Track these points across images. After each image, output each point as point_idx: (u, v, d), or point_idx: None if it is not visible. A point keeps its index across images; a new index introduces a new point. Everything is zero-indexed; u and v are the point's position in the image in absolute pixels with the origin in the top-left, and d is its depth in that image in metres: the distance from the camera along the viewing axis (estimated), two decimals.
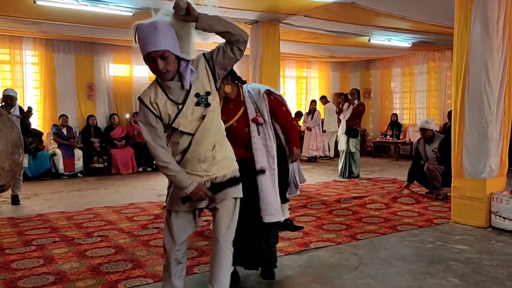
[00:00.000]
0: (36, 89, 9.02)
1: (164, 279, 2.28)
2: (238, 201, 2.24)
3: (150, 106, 2.05)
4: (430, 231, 4.30)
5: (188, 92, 2.06)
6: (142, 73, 10.12)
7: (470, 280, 3.04)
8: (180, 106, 2.06)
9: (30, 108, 5.80)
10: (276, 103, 3.06)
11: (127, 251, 3.76)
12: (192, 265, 3.32)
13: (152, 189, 7.01)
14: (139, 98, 2.09)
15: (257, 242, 2.90)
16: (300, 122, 11.67)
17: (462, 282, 3.01)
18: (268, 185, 2.83)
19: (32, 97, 8.95)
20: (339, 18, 7.30)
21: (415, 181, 6.32)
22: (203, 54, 2.09)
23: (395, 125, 11.75)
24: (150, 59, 1.97)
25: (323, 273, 3.20)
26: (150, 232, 4.37)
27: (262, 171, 2.65)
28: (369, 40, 9.00)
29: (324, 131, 11.25)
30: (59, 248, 3.87)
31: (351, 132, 7.98)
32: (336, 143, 9.91)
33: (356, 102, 8.03)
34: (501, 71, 4.42)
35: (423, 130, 6.15)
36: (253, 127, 2.87)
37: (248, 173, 2.53)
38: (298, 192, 4.41)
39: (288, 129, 3.20)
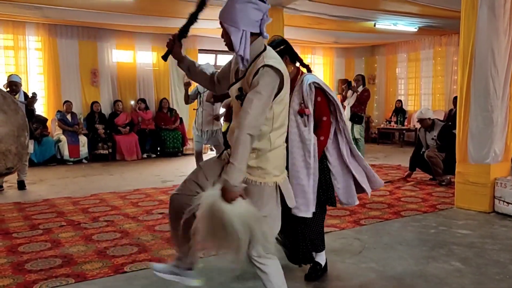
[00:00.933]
0: (40, 75, 9.02)
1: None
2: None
3: (233, 59, 2.11)
4: (434, 216, 4.32)
5: (240, 78, 1.98)
6: (146, 59, 10.10)
7: (472, 264, 3.05)
8: (233, 81, 2.07)
9: (34, 94, 5.82)
10: (318, 107, 2.67)
11: (133, 235, 3.80)
12: None
13: (157, 175, 7.05)
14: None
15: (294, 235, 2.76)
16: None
17: (465, 266, 3.03)
18: (301, 176, 2.60)
19: (36, 83, 8.95)
20: (344, 2, 7.22)
21: (417, 169, 6.33)
22: (261, 66, 1.89)
23: (399, 111, 11.69)
24: None
25: (327, 256, 3.22)
26: (155, 218, 4.41)
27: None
28: (374, 25, 8.89)
29: None
30: (65, 232, 3.92)
31: (355, 118, 7.95)
32: None
33: (361, 88, 7.99)
34: (508, 55, 4.38)
35: (420, 121, 6.20)
36: (293, 117, 2.61)
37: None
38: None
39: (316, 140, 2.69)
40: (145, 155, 9.43)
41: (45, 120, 8.70)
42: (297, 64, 2.77)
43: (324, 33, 9.91)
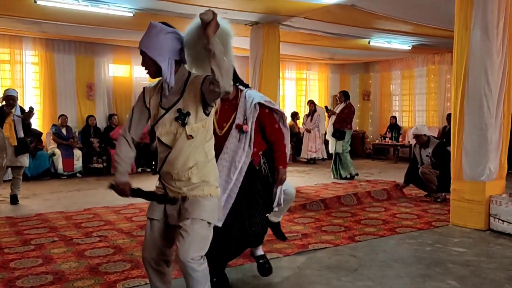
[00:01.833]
0: (36, 89, 9.02)
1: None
2: (211, 226, 2.13)
3: (146, 94, 2.16)
4: (429, 233, 4.31)
5: (176, 102, 2.07)
6: (142, 73, 10.08)
7: (468, 283, 3.04)
8: (163, 112, 2.09)
9: (31, 109, 5.80)
10: (269, 118, 2.89)
11: (126, 251, 3.75)
12: None
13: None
14: (144, 88, 2.21)
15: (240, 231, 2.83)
16: (300, 124, 11.69)
17: (461, 285, 3.01)
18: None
19: (32, 97, 8.94)
20: (339, 20, 7.32)
21: (412, 185, 6.36)
22: (206, 75, 2.05)
23: (394, 127, 11.77)
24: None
25: (322, 274, 3.20)
26: None
27: None
28: (369, 43, 9.01)
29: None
30: (58, 247, 3.87)
31: (336, 134, 8.10)
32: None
33: (342, 105, 8.18)
34: (501, 75, 4.44)
35: (416, 137, 6.24)
36: (234, 132, 2.77)
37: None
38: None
39: (277, 147, 2.93)
40: (140, 170, 9.39)
41: (40, 134, 8.66)
42: (236, 84, 2.89)
43: (320, 50, 10.02)
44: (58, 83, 9.10)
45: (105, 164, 8.98)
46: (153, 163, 9.61)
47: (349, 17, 7.15)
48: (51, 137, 8.74)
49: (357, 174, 8.25)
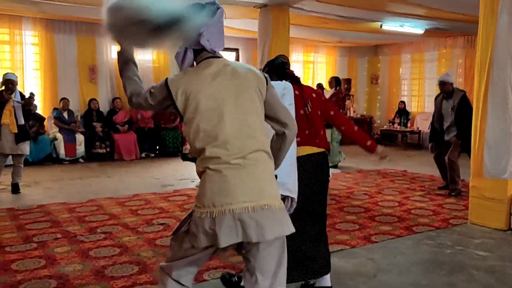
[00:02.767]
0: (36, 71, 8.75)
1: None
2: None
3: None
4: (447, 233, 4.13)
5: None
6: (146, 55, 9.82)
7: None
8: None
9: (32, 94, 5.58)
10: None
11: (132, 251, 3.59)
12: (201, 270, 3.16)
13: (156, 179, 6.83)
14: None
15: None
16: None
17: None
18: None
19: (32, 79, 8.69)
20: (351, 3, 6.99)
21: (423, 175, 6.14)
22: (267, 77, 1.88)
23: (402, 112, 11.49)
24: None
25: (340, 281, 3.03)
26: (156, 229, 4.20)
27: None
28: (381, 26, 8.67)
29: None
30: (61, 246, 3.70)
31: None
32: None
33: (332, 91, 7.95)
34: None
35: (442, 84, 5.68)
36: None
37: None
38: None
39: None
40: (143, 155, 9.21)
41: (43, 118, 8.42)
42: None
43: (329, 33, 9.69)
44: (59, 65, 8.83)
45: (108, 149, 8.79)
46: (157, 147, 9.42)
47: (365, 0, 6.83)
48: (52, 121, 8.53)
49: (344, 158, 8.03)
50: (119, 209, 4.94)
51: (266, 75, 1.87)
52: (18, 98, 5.59)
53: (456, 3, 6.62)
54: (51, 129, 8.54)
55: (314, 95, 2.79)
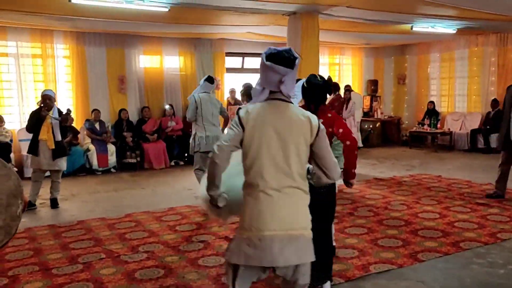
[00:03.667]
0: (68, 83, 8.91)
1: None
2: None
3: None
4: (497, 249, 3.98)
5: None
6: (173, 64, 9.91)
7: None
8: None
9: (69, 111, 5.67)
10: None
11: (177, 273, 3.59)
12: None
13: (189, 189, 6.84)
14: None
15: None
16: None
17: None
18: None
19: (64, 91, 8.85)
20: (382, 7, 6.85)
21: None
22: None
23: (432, 113, 11.21)
24: None
25: None
26: (196, 248, 4.20)
27: None
28: (411, 28, 8.48)
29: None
30: (106, 267, 3.74)
31: None
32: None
33: (332, 96, 7.89)
34: None
35: None
36: None
37: None
38: None
39: None
40: (173, 163, 9.27)
41: (78, 132, 8.52)
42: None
43: (356, 35, 9.55)
44: (90, 77, 8.97)
45: (138, 159, 8.89)
46: (186, 155, 9.45)
47: (394, 4, 6.69)
48: (85, 132, 8.67)
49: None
50: (157, 225, 4.97)
51: (321, 126, 2.08)
52: (56, 114, 5.68)
53: (490, 3, 6.41)
54: (84, 140, 8.68)
55: (329, 115, 3.08)
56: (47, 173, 6.00)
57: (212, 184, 2.09)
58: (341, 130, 3.02)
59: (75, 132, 8.37)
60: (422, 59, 12.24)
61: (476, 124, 10.64)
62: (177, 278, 3.48)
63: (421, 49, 12.14)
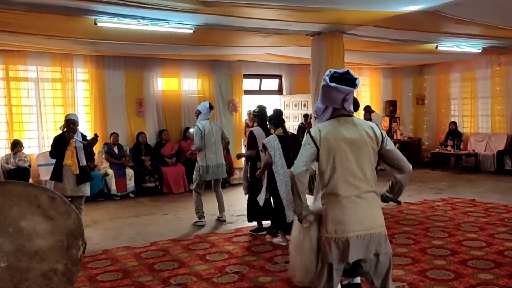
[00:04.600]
0: (86, 107, 8.82)
1: None
2: None
3: None
4: None
5: None
6: (191, 86, 9.81)
7: None
8: None
9: (96, 136, 5.51)
10: None
11: None
12: None
13: (212, 215, 6.59)
14: None
15: None
16: None
17: None
18: None
19: (82, 115, 8.73)
20: (407, 27, 6.69)
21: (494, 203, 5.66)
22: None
23: (455, 134, 10.93)
24: None
25: None
26: (231, 279, 3.94)
27: None
28: (436, 47, 8.31)
29: None
30: None
31: None
32: None
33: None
34: None
35: None
36: None
37: None
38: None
39: None
40: (192, 186, 9.03)
41: (93, 153, 8.35)
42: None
43: (378, 55, 9.39)
44: (108, 100, 8.86)
45: (157, 183, 8.68)
46: None
47: (421, 23, 6.52)
48: (103, 156, 8.52)
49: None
50: (185, 254, 4.72)
51: (383, 133, 2.42)
52: (80, 138, 5.52)
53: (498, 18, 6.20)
54: (102, 164, 8.52)
55: None
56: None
57: (299, 199, 2.35)
58: None
59: (93, 154, 8.20)
60: (442, 79, 12.04)
61: (501, 145, 10.33)
62: None
63: (441, 69, 11.96)
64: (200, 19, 5.72)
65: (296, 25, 6.35)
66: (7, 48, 7.62)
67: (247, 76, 10.57)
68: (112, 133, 8.63)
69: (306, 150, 2.33)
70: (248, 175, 5.53)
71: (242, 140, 10.16)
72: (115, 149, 8.57)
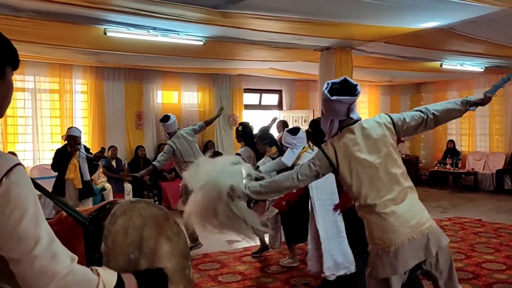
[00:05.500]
0: (84, 119, 8.57)
1: None
2: None
3: None
4: None
5: None
6: (191, 99, 9.65)
7: None
8: None
9: (103, 149, 5.31)
10: None
11: None
12: None
13: (217, 232, 6.34)
14: None
15: None
16: None
17: None
18: None
19: (80, 127, 8.40)
20: (417, 43, 6.67)
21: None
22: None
23: (453, 152, 10.92)
24: None
25: None
26: None
27: None
28: (441, 65, 8.33)
29: None
30: None
31: None
32: None
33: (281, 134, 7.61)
34: None
35: None
36: None
37: None
38: None
39: None
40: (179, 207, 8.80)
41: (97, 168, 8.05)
42: None
43: (381, 72, 9.39)
44: (107, 112, 8.64)
45: (156, 198, 8.42)
46: None
47: (429, 39, 6.51)
48: (101, 170, 8.23)
49: None
50: (197, 275, 4.47)
51: (391, 116, 2.29)
52: (83, 151, 5.30)
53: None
54: (99, 178, 8.23)
55: None
56: None
57: (272, 194, 2.40)
58: None
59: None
60: (439, 97, 12.05)
61: (500, 164, 10.35)
62: None
63: (438, 87, 12.04)
64: (211, 30, 5.60)
65: (307, 40, 6.28)
66: None
67: (248, 90, 10.47)
68: (111, 146, 8.37)
69: (308, 166, 2.23)
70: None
71: None
72: (113, 163, 8.31)
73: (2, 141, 7.64)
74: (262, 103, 11.00)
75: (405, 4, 4.54)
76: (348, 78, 2.20)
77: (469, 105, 2.28)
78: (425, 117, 2.25)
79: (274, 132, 7.80)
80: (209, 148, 9.32)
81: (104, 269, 1.13)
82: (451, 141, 11.26)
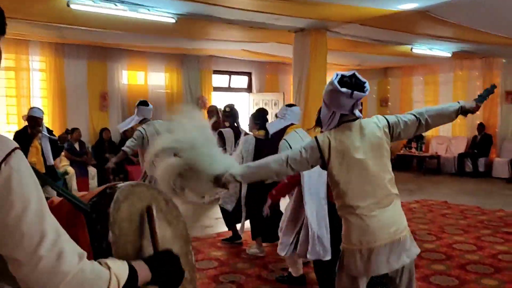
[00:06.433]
0: (43, 99, 8.05)
1: None
2: None
3: None
4: None
5: None
6: (158, 81, 9.29)
7: None
8: None
9: (68, 130, 4.94)
10: None
11: None
12: None
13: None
14: None
15: None
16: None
17: None
18: None
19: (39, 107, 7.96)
20: (392, 26, 6.65)
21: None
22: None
23: (417, 137, 11.15)
24: None
25: None
26: None
27: None
28: (411, 49, 8.40)
29: None
30: None
31: None
32: None
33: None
34: None
35: None
36: None
37: None
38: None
39: None
40: None
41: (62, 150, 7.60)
42: None
43: (351, 56, 9.38)
44: (68, 92, 8.16)
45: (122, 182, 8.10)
46: None
47: (404, 21, 6.50)
48: (63, 153, 7.79)
49: None
50: None
51: (387, 118, 2.23)
52: (45, 133, 4.93)
53: (487, 22, 6.35)
54: (61, 162, 7.80)
55: None
56: None
57: (261, 177, 2.23)
58: None
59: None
60: (405, 82, 12.32)
61: (461, 148, 10.70)
62: None
63: (405, 72, 12.24)
64: (184, 7, 5.33)
65: (283, 20, 6.12)
66: None
67: (217, 72, 10.21)
68: (74, 129, 7.93)
69: (300, 153, 2.15)
70: None
71: None
72: (76, 146, 7.89)
73: None
74: (232, 86, 10.77)
75: None
76: (357, 74, 2.14)
77: (461, 111, 2.30)
78: (418, 123, 2.24)
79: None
80: None
81: (113, 260, 1.01)
82: None
